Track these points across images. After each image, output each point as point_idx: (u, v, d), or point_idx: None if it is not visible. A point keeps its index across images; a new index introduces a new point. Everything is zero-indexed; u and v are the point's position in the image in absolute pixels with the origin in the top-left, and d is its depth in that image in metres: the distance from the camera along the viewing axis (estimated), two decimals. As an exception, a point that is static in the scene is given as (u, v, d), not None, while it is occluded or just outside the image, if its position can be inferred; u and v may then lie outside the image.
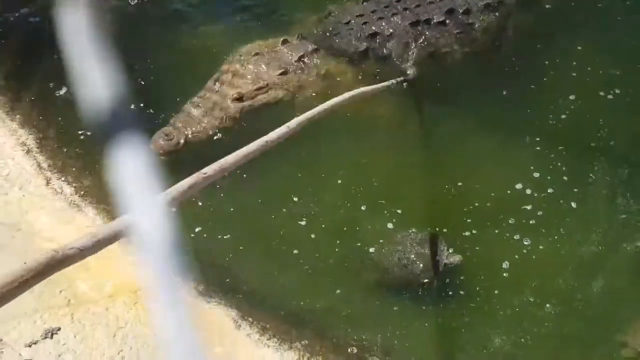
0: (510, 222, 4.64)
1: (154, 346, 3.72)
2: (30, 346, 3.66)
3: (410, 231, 4.46)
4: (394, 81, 5.41)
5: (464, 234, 4.56)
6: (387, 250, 4.40)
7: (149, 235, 1.21)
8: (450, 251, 4.36)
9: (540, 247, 4.53)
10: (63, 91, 5.00)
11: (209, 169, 3.14)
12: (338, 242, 4.49)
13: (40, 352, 3.65)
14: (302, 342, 3.98)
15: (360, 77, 5.39)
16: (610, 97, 5.47)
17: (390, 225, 4.56)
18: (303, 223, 4.56)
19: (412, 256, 4.29)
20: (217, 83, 5.18)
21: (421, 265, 4.27)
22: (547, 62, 5.70)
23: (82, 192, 4.45)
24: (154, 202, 1.25)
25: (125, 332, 3.79)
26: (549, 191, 4.83)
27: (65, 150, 4.77)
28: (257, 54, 5.37)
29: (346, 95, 4.81)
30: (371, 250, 4.42)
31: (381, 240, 4.45)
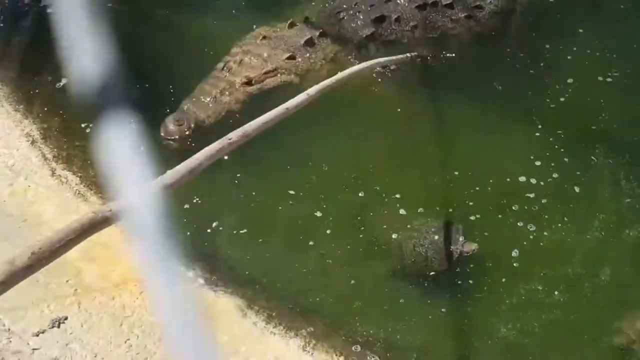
0: (514, 208, 4.37)
1: (160, 335, 3.55)
2: (37, 335, 3.51)
3: (427, 219, 4.19)
4: (408, 55, 5.14)
5: (470, 218, 4.31)
6: (402, 237, 4.13)
7: (146, 223, 1.12)
8: (464, 239, 4.07)
9: (545, 233, 4.27)
10: (65, 82, 4.74)
11: (234, 135, 3.15)
12: (347, 230, 4.25)
13: (48, 341, 3.49)
14: (308, 330, 3.76)
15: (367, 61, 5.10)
16: (609, 79, 5.17)
17: (402, 212, 4.31)
18: (310, 211, 4.31)
19: (427, 244, 4.02)
20: (225, 67, 4.93)
21: (436, 253, 3.99)
22: (547, 46, 5.38)
23: (87, 182, 4.23)
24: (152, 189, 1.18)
25: (132, 321, 3.62)
26: (553, 176, 4.55)
27: (69, 140, 4.53)
28: (264, 37, 5.12)
29: (364, 64, 4.66)
30: (380, 238, 4.17)
31: (397, 229, 4.19)
